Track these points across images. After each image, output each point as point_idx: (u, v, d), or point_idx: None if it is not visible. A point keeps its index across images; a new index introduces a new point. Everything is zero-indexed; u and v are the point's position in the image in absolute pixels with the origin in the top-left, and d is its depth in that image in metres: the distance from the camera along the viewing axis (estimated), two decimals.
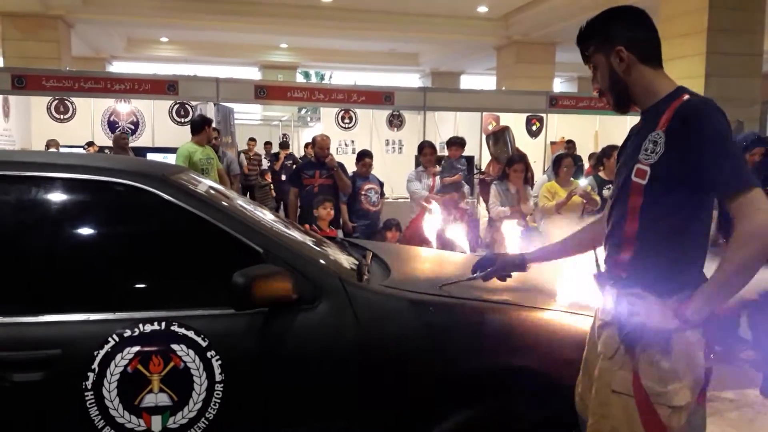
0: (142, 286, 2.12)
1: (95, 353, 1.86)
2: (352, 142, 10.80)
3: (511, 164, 5.56)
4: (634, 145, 1.78)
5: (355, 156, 6.86)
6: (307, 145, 10.65)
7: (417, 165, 6.58)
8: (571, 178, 5.76)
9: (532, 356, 2.20)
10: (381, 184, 6.60)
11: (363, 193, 6.48)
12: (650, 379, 1.67)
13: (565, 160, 5.60)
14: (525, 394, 2.23)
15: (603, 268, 1.87)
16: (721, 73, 10.37)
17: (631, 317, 1.68)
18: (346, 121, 10.45)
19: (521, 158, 5.83)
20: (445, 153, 7.33)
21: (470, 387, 2.18)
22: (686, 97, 1.69)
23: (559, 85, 15.60)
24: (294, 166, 8.80)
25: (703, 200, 1.67)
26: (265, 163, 12.13)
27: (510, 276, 2.33)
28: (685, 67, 10.68)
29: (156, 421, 1.90)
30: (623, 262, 1.77)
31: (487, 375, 2.18)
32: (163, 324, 1.92)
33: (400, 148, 10.97)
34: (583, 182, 5.92)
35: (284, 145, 12.08)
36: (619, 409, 1.73)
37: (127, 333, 1.89)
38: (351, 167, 6.74)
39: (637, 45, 1.74)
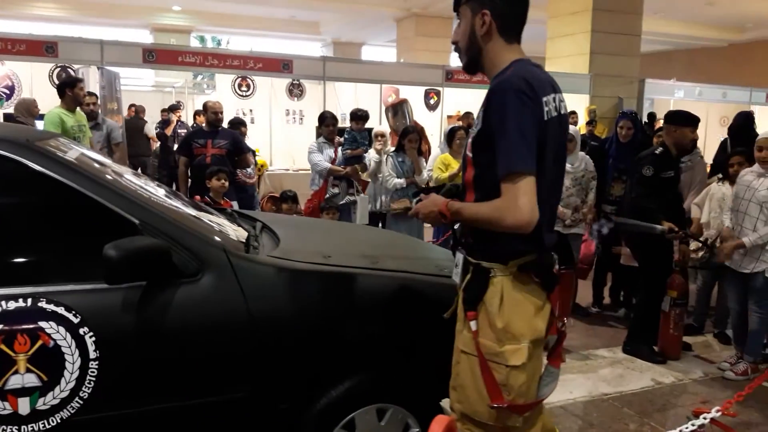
0: (6, 260, 1.97)
1: None
2: (251, 111, 10.51)
3: (405, 135, 5.63)
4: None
5: (252, 126, 6.68)
6: (197, 114, 9.93)
7: (318, 136, 6.48)
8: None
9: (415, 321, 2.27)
10: (254, 153, 6.49)
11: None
12: (488, 338, 1.75)
13: (458, 133, 5.74)
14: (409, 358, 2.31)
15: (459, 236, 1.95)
16: (604, 50, 10.97)
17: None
18: (244, 89, 10.15)
19: (414, 129, 5.91)
20: (347, 124, 7.30)
21: (358, 353, 2.22)
22: (503, 77, 1.74)
23: (457, 60, 15.89)
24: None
25: None
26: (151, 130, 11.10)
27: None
28: (572, 44, 11.22)
29: (23, 403, 1.79)
30: (468, 229, 1.86)
31: (372, 341, 2.23)
32: (29, 300, 1.81)
33: (301, 119, 10.81)
34: None
35: (174, 108, 10.59)
36: (466, 367, 1.82)
37: None
38: (250, 137, 6.55)
39: (501, 15, 1.79)
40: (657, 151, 4.20)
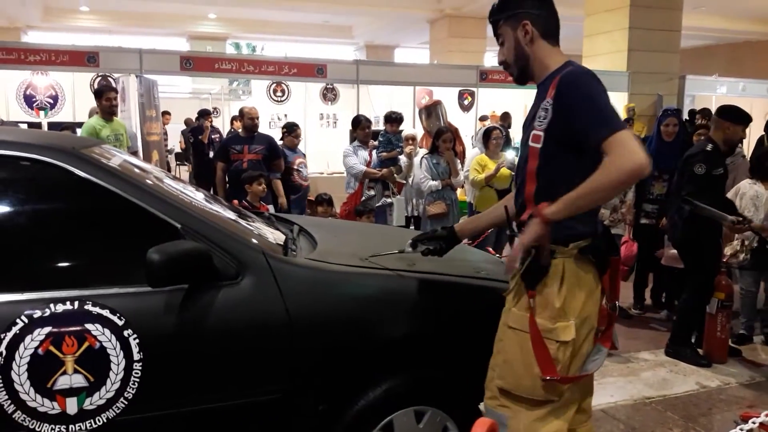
0: (53, 265, 2.03)
1: (2, 336, 1.78)
2: (285, 116, 10.60)
3: (439, 136, 5.61)
4: (530, 115, 1.96)
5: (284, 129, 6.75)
6: (234, 119, 10.03)
7: (352, 140, 6.52)
8: (500, 151, 5.88)
9: (455, 324, 2.26)
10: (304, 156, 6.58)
11: (295, 167, 6.40)
12: (543, 318, 1.86)
13: (493, 133, 5.70)
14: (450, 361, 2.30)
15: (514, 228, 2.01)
16: (642, 47, 10.75)
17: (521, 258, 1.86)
18: (279, 94, 10.25)
19: (449, 130, 5.89)
20: (381, 127, 7.31)
21: (396, 355, 2.22)
22: (569, 68, 1.88)
23: (491, 60, 15.77)
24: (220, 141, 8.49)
25: (587, 165, 1.76)
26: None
27: (444, 249, 2.32)
28: (610, 42, 11.03)
29: (71, 403, 1.84)
30: (525, 221, 1.91)
31: (409, 343, 2.22)
32: (76, 303, 1.86)
33: (335, 123, 10.88)
34: (511, 154, 6.05)
35: (205, 113, 10.34)
36: (514, 343, 1.93)
37: (37, 314, 1.81)
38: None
39: (540, 21, 1.94)
40: (708, 148, 4.07)
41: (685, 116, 9.66)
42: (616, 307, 2.04)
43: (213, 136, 10.00)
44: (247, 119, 5.98)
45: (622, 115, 10.05)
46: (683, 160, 4.19)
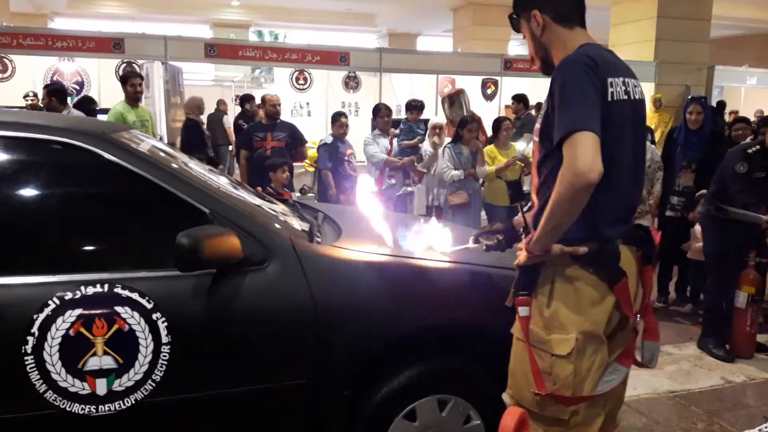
0: (84, 248, 2.07)
1: (35, 317, 1.81)
2: (307, 104, 10.60)
3: (464, 125, 5.56)
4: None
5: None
6: (242, 103, 9.75)
7: (373, 128, 6.48)
8: (511, 142, 5.84)
9: (479, 313, 2.25)
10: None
11: (346, 158, 6.20)
12: (536, 325, 1.76)
13: (503, 123, 5.66)
14: (473, 350, 2.30)
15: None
16: (670, 36, 10.55)
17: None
18: (301, 82, 10.24)
19: (473, 119, 5.84)
20: (402, 116, 7.27)
21: (419, 343, 2.22)
22: (566, 55, 1.73)
23: (515, 48, 15.60)
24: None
25: None
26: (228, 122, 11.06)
27: (505, 244, 2.12)
28: (637, 31, 10.84)
29: (101, 384, 1.87)
30: (533, 214, 1.85)
31: (432, 331, 2.22)
32: (107, 286, 1.88)
33: (357, 111, 10.85)
34: (521, 146, 6.00)
35: (248, 97, 9.84)
36: (517, 352, 1.84)
37: (68, 296, 1.84)
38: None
39: (550, 5, 1.82)
40: (751, 150, 3.99)
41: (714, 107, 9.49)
42: (633, 323, 1.83)
43: (239, 121, 9.79)
44: (269, 106, 5.98)
45: (649, 106, 9.90)
46: (726, 159, 4.09)
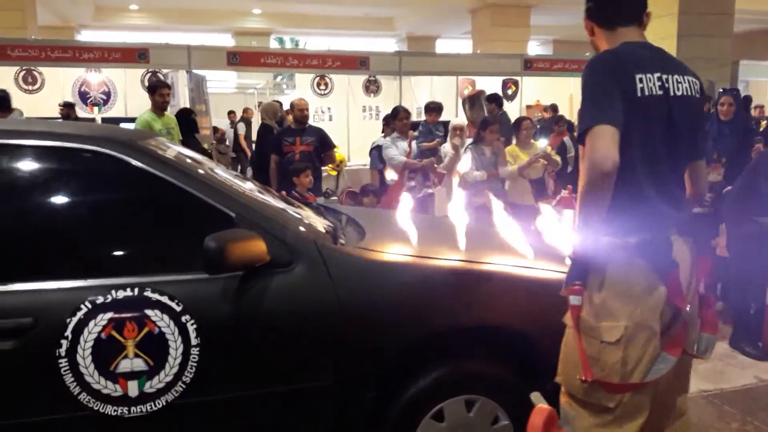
0: (114, 252, 2.10)
1: (68, 320, 1.85)
2: (329, 109, 10.69)
3: (485, 126, 5.54)
4: None
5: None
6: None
7: (390, 132, 6.48)
8: (531, 140, 5.81)
9: (507, 315, 2.25)
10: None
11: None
12: (586, 314, 1.78)
13: (523, 123, 5.63)
14: (499, 351, 2.29)
15: None
16: (692, 32, 10.38)
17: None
18: (322, 87, 10.33)
19: (495, 120, 5.82)
20: (422, 118, 7.28)
21: (446, 343, 2.22)
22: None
23: (535, 49, 15.52)
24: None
25: (624, 152, 1.69)
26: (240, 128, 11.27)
27: None
28: (657, 28, 10.67)
29: (132, 386, 1.90)
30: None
31: (461, 333, 2.22)
32: (137, 290, 1.92)
33: (377, 114, 10.89)
34: (543, 143, 5.97)
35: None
36: (567, 340, 1.87)
37: (100, 300, 1.88)
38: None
39: (594, 13, 1.95)
40: None
41: None
42: (680, 311, 1.83)
43: None
44: (297, 111, 5.99)
45: None
46: (763, 156, 4.00)
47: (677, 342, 1.82)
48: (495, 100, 7.87)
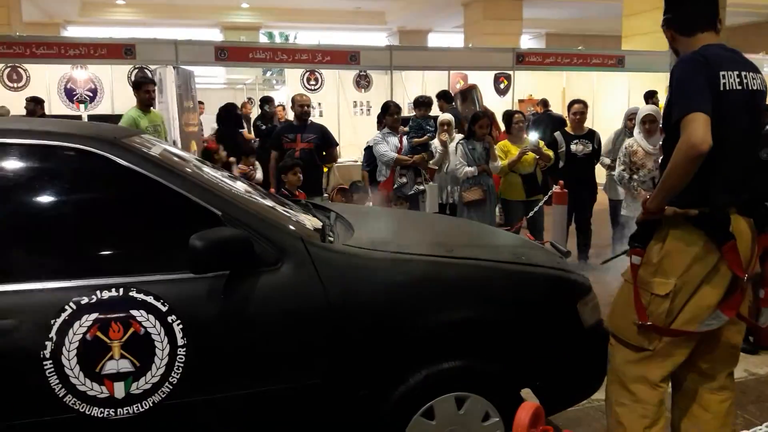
0: (98, 252, 2.07)
1: (52, 322, 1.82)
2: (319, 104, 10.62)
3: (475, 121, 5.53)
4: None
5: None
6: (262, 105, 9.75)
7: (381, 127, 6.43)
8: (523, 134, 5.81)
9: (495, 310, 2.24)
10: None
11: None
12: (644, 271, 2.15)
13: (515, 117, 5.62)
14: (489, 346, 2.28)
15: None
16: None
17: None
18: (312, 82, 10.26)
19: (485, 114, 5.81)
20: (412, 113, 7.24)
21: (435, 341, 2.21)
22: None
23: (527, 42, 15.51)
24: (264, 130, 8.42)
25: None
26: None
27: None
28: (650, 21, 10.68)
29: (119, 388, 1.88)
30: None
31: (448, 329, 2.21)
32: (122, 290, 1.89)
33: (368, 110, 10.85)
34: (533, 137, 5.96)
35: (267, 99, 9.60)
36: (623, 291, 2.25)
37: (85, 300, 1.86)
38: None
39: (671, 22, 2.23)
40: None
41: None
42: (738, 279, 2.09)
43: (257, 123, 9.66)
44: (297, 107, 5.85)
45: (662, 94, 9.78)
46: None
47: (732, 305, 2.11)
48: (444, 96, 7.79)
